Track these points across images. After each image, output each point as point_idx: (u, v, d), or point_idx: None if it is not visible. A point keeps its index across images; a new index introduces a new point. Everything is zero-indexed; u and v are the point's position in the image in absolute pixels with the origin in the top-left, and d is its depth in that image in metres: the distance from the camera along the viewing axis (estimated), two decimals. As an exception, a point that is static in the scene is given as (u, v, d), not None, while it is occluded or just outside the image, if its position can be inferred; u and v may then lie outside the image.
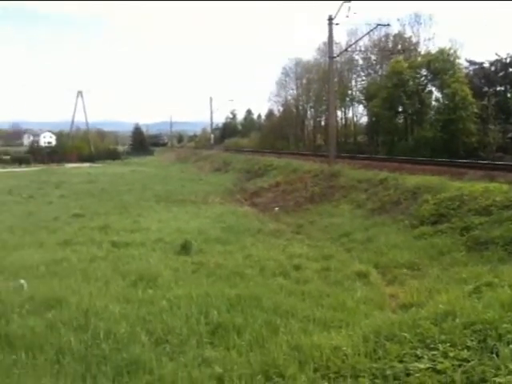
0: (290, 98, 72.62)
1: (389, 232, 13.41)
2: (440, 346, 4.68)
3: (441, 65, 41.11)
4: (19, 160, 59.34)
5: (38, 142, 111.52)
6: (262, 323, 6.48)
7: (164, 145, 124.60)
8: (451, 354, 4.49)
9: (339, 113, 58.46)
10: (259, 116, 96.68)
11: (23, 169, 51.48)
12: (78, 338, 5.81)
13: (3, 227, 14.86)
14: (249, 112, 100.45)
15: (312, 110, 68.35)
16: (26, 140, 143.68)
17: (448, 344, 4.68)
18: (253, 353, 5.46)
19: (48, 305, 7.08)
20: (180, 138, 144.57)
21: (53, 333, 5.99)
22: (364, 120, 59.21)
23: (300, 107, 70.01)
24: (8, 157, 63.00)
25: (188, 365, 5.20)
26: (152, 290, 8.23)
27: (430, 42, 48.66)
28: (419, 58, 45.03)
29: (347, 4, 24.85)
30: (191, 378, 4.82)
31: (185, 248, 11.65)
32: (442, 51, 42.33)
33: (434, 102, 44.65)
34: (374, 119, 50.62)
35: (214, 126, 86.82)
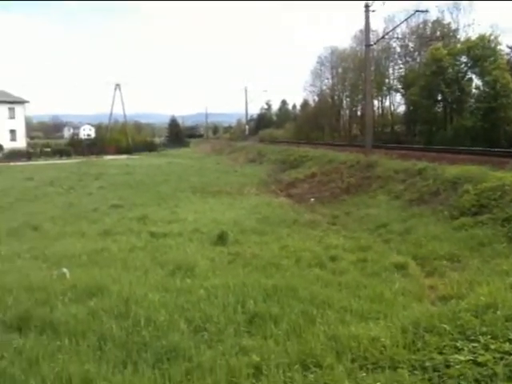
0: (325, 87, 72.01)
1: (428, 223, 13.17)
2: (481, 339, 4.58)
3: (481, 51, 39.87)
4: (60, 152, 60.81)
5: (77, 134, 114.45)
6: (299, 313, 6.49)
7: (200, 136, 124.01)
8: (492, 347, 4.40)
9: (376, 102, 57.52)
10: (294, 106, 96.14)
11: (64, 161, 52.83)
12: (119, 325, 5.96)
13: (45, 217, 15.33)
14: (284, 102, 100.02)
15: (348, 99, 67.50)
16: (67, 132, 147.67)
17: (489, 336, 4.58)
18: (290, 342, 5.48)
19: (90, 293, 7.26)
20: (215, 130, 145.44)
21: (95, 320, 6.15)
22: (401, 109, 58.22)
23: (335, 97, 69.23)
24: (49, 149, 64.62)
25: (226, 353, 5.26)
26: (190, 279, 8.35)
27: (469, 28, 47.31)
28: (459, 45, 43.72)
29: (384, -10, 24.36)
30: (229, 366, 4.87)
31: (221, 238, 11.75)
32: (482, 37, 41.03)
33: (474, 90, 43.34)
34: (411, 108, 49.63)
35: (248, 117, 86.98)
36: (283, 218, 15.60)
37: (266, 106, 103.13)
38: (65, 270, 8.47)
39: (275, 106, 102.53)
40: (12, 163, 46.66)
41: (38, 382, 4.53)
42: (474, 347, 4.47)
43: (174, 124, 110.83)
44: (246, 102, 78.73)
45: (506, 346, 4.33)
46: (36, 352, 5.20)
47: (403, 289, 8.05)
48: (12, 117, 62.50)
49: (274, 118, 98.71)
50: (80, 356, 5.18)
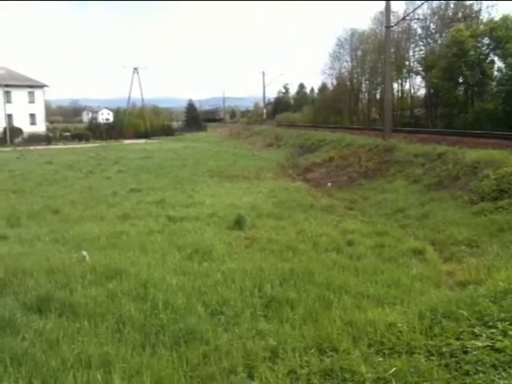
0: (344, 70, 71.07)
1: (446, 208, 13.05)
2: (499, 325, 4.53)
3: (504, 33, 38.80)
4: (79, 136, 61.40)
5: (96, 118, 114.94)
6: (315, 298, 6.50)
7: (220, 120, 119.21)
8: (511, 333, 4.35)
9: (395, 85, 56.64)
10: (312, 90, 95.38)
11: (82, 145, 53.36)
12: (138, 307, 6.03)
13: (65, 201, 15.55)
14: (301, 86, 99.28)
15: (367, 82, 66.61)
16: (85, 117, 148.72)
17: (507, 323, 4.52)
18: (306, 327, 5.49)
19: (109, 275, 7.35)
20: (233, 114, 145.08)
21: (114, 302, 6.22)
22: (421, 92, 57.20)
23: (354, 80, 68.37)
24: (68, 133, 65.28)
25: (242, 336, 5.30)
26: (207, 263, 8.41)
27: (492, 8, 46.16)
28: (481, 26, 42.64)
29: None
30: (246, 350, 4.91)
31: (238, 223, 11.79)
32: (505, 18, 39.89)
33: (496, 73, 42.33)
34: (432, 91, 48.78)
35: (266, 100, 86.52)
36: (300, 202, 15.58)
37: (283, 90, 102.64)
38: (84, 252, 8.58)
39: (293, 90, 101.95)
40: (32, 147, 47.26)
41: (59, 363, 4.61)
42: (491, 333, 4.42)
43: (191, 108, 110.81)
44: (264, 86, 78.35)
45: (525, 332, 4.28)
46: (56, 334, 5.29)
47: (420, 274, 8.02)
48: (32, 101, 63.13)
49: (292, 101, 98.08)
50: (99, 338, 5.25)
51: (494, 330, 4.46)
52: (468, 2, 47.50)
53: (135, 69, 79.20)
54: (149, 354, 4.96)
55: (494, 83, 41.78)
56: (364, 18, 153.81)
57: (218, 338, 5.30)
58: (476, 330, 4.55)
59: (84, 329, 5.52)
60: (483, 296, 5.36)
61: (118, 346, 5.12)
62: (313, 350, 4.76)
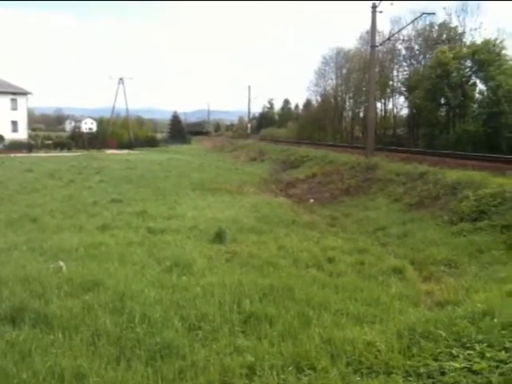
0: (328, 88, 71.85)
1: (426, 227, 13.16)
2: (477, 346, 4.55)
3: (486, 56, 39.71)
4: (61, 145, 60.73)
5: (79, 127, 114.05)
6: (295, 314, 6.47)
7: (207, 133, 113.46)
8: (488, 355, 4.36)
9: (379, 104, 57.35)
10: (297, 106, 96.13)
11: (64, 153, 52.76)
12: (114, 320, 5.92)
13: (45, 210, 15.28)
14: (286, 102, 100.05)
15: (351, 100, 67.40)
16: (68, 126, 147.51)
17: (485, 344, 4.55)
18: (284, 344, 5.45)
19: (85, 287, 7.23)
20: (217, 127, 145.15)
21: (89, 314, 6.11)
22: (404, 112, 58.08)
23: (339, 98, 69.10)
24: (50, 141, 64.56)
25: (220, 352, 5.24)
26: (186, 276, 8.33)
27: (476, 32, 47.06)
28: (464, 49, 43.59)
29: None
30: (223, 366, 4.84)
31: (219, 236, 11.72)
32: (487, 42, 40.87)
33: (477, 95, 43.23)
34: (414, 111, 49.54)
35: (251, 115, 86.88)
36: (282, 217, 15.57)
37: (268, 105, 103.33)
38: (61, 263, 8.44)
39: (278, 106, 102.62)
40: (12, 154, 46.56)
41: (30, 376, 4.50)
42: (469, 355, 4.43)
43: (176, 120, 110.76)
44: (249, 100, 78.65)
45: (502, 355, 4.29)
46: (29, 345, 5.18)
47: (400, 293, 8.04)
48: (14, 108, 62.41)
49: (277, 117, 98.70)
50: (73, 351, 5.15)
51: (471, 352, 4.47)
52: (452, 25, 48.59)
53: (120, 79, 79.09)
54: (124, 369, 4.87)
55: (475, 105, 42.62)
56: (349, 37, 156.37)
57: (195, 353, 5.23)
58: (454, 351, 4.57)
59: (58, 341, 5.41)
60: (461, 317, 5.39)
61: (92, 359, 5.03)
62: (291, 368, 4.73)
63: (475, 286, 8.01)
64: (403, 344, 4.94)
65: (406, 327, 5.40)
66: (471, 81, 43.35)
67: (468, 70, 42.80)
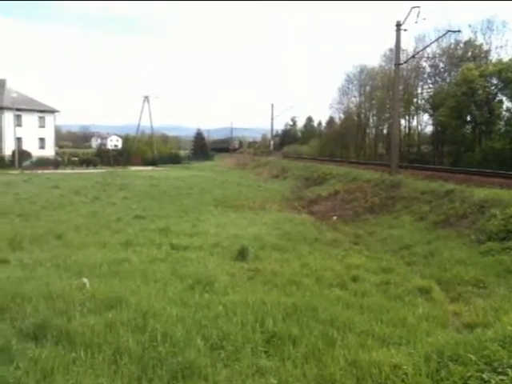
0: (352, 105, 71.78)
1: (453, 247, 12.88)
2: (509, 371, 4.37)
3: (512, 74, 39.14)
4: (87, 162, 61.80)
5: (105, 144, 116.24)
6: (319, 335, 6.33)
7: (234, 150, 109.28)
8: (521, 381, 4.19)
9: (403, 121, 56.88)
10: (320, 123, 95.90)
11: (90, 170, 53.70)
12: (136, 339, 5.87)
13: (69, 226, 15.47)
14: (309, 119, 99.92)
15: (374, 117, 67.12)
16: (94, 143, 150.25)
17: (518, 369, 4.37)
18: (308, 365, 5.34)
19: (108, 304, 7.21)
20: (240, 144, 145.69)
21: (112, 332, 6.07)
22: (428, 129, 57.43)
23: (362, 115, 68.92)
24: (76, 158, 65.77)
25: (242, 373, 5.14)
26: (208, 294, 8.26)
27: (502, 49, 46.55)
28: (490, 67, 43.10)
29: (417, 9, 24.26)
30: (245, 388, 4.76)
31: (242, 254, 11.66)
32: (514, 60, 40.36)
33: (504, 113, 42.56)
34: (439, 128, 48.98)
35: (273, 132, 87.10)
36: (305, 235, 15.45)
37: (291, 122, 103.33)
38: (85, 279, 8.46)
39: (300, 123, 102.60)
40: (40, 171, 47.58)
41: (52, 395, 4.48)
42: (501, 380, 4.27)
43: (199, 137, 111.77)
44: (272, 118, 78.96)
45: (535, 381, 4.11)
46: (51, 363, 5.15)
47: (427, 314, 7.83)
48: (42, 125, 64.03)
49: (299, 134, 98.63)
50: (95, 369, 5.11)
51: (503, 377, 4.30)
52: (478, 42, 48.14)
53: (146, 97, 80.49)
54: (145, 388, 4.81)
55: (501, 123, 41.95)
56: (373, 55, 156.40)
57: (217, 373, 5.14)
58: (485, 376, 4.40)
59: (80, 359, 5.37)
60: (492, 340, 5.20)
61: (113, 378, 4.98)
62: (315, 391, 4.61)
63: (505, 308, 7.75)
64: (431, 367, 4.79)
65: (433, 350, 5.24)
66: (497, 98, 42.73)
67: (494, 87, 42.22)
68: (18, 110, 59.20)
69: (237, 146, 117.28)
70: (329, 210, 23.47)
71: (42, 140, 63.77)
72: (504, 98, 42.73)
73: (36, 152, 59.63)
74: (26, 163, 55.00)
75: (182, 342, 5.82)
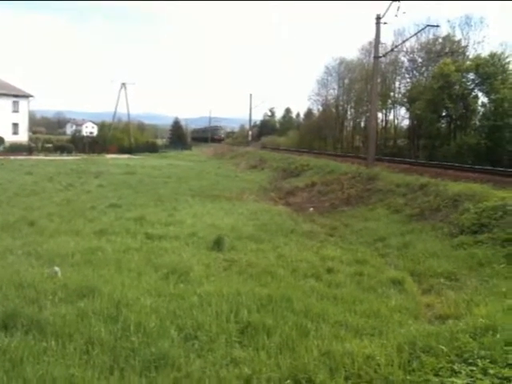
0: (330, 97, 71.94)
1: (426, 239, 13.05)
2: (479, 362, 4.45)
3: (490, 69, 39.74)
4: (61, 148, 60.56)
5: (80, 131, 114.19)
6: (293, 325, 6.36)
7: (220, 140, 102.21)
8: (491, 371, 4.26)
9: (380, 115, 57.33)
10: (298, 115, 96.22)
11: (64, 157, 52.72)
12: (108, 329, 5.80)
13: (42, 214, 15.18)
14: (287, 110, 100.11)
15: (352, 110, 67.52)
16: (69, 129, 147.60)
17: (488, 360, 4.45)
18: (282, 356, 5.35)
19: (80, 293, 7.11)
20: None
21: (83, 322, 5.99)
22: (405, 123, 58.07)
23: (340, 107, 69.24)
24: (50, 145, 64.49)
25: (216, 363, 5.13)
26: (183, 284, 8.22)
27: (479, 45, 47.16)
28: (468, 62, 43.66)
29: (397, 3, 24.37)
30: (219, 378, 4.74)
31: (217, 244, 11.62)
32: (492, 55, 40.92)
33: (479, 108, 43.24)
34: (415, 122, 49.57)
35: (252, 123, 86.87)
36: (281, 226, 15.47)
37: (269, 113, 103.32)
38: (57, 268, 8.32)
39: (279, 114, 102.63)
40: (12, 157, 46.50)
41: (20, 385, 4.39)
42: (471, 371, 4.33)
43: (176, 126, 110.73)
44: (251, 108, 78.69)
45: (506, 372, 4.19)
46: (21, 352, 5.05)
47: (399, 305, 7.94)
48: (15, 110, 62.48)
49: (278, 125, 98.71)
50: (66, 359, 5.03)
51: (473, 368, 4.37)
52: (456, 38, 48.71)
53: (123, 84, 79.34)
54: (117, 379, 4.76)
55: (476, 118, 42.64)
56: (352, 47, 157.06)
57: (191, 364, 5.11)
58: (455, 367, 4.46)
59: (50, 349, 5.28)
60: (463, 331, 5.29)
61: (85, 368, 4.91)
62: (288, 381, 4.63)
63: (476, 300, 7.90)
64: (403, 358, 4.85)
65: (406, 341, 5.31)
66: (473, 93, 43.35)
67: (470, 82, 42.81)
68: (-9, 94, 57.77)
69: (223, 136, 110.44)
70: (305, 201, 23.55)
71: (15, 125, 62.26)
72: (480, 94, 43.40)
73: (9, 137, 58.23)
74: (-1, 149, 53.78)
75: (156, 333, 5.78)
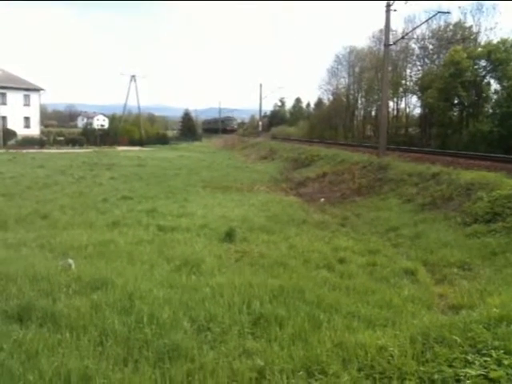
0: (340, 86, 71.37)
1: (439, 229, 12.97)
2: (493, 353, 4.40)
3: (502, 55, 39.13)
4: (73, 141, 60.98)
5: (91, 124, 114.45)
6: (305, 317, 6.34)
7: (232, 131, 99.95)
8: (505, 362, 4.21)
9: (391, 103, 56.73)
10: (308, 105, 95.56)
11: (76, 150, 53.06)
12: (122, 320, 5.83)
13: (55, 206, 15.31)
14: (298, 100, 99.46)
15: (363, 99, 66.96)
16: (80, 122, 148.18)
17: (502, 351, 4.40)
18: (295, 347, 5.35)
19: (94, 286, 7.16)
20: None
21: (97, 314, 6.02)
22: (416, 111, 57.45)
23: (350, 96, 68.69)
24: (62, 138, 64.89)
25: (229, 355, 5.13)
26: (195, 276, 8.25)
27: (491, 32, 46.42)
28: (479, 48, 43.01)
29: (406, -11, 24.04)
30: (232, 369, 4.75)
31: (229, 235, 11.65)
32: (504, 41, 40.29)
33: (492, 95, 42.62)
34: (427, 111, 49.07)
35: (262, 113, 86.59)
36: (292, 217, 15.46)
37: (279, 103, 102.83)
38: (70, 260, 8.39)
39: (289, 104, 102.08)
40: (25, 150, 46.92)
41: (36, 377, 4.41)
42: (485, 361, 4.29)
43: (187, 117, 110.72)
44: (261, 98, 78.46)
45: (520, 363, 4.15)
46: (36, 345, 5.09)
47: (412, 296, 7.90)
48: (27, 104, 62.86)
49: (288, 115, 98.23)
50: (80, 351, 5.06)
51: (487, 359, 4.33)
52: (467, 24, 48.02)
53: (133, 76, 79.33)
54: (131, 370, 4.77)
55: (489, 105, 42.06)
56: (362, 36, 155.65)
57: (204, 355, 5.12)
58: (469, 358, 4.42)
59: (65, 341, 5.31)
60: (476, 322, 5.24)
61: (99, 360, 4.93)
62: (301, 373, 4.61)
63: (489, 290, 7.85)
64: (417, 349, 4.81)
65: (419, 332, 5.27)
66: (485, 80, 42.74)
67: (482, 69, 42.20)
68: (2, 88, 58.17)
69: (235, 127, 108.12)
70: (316, 191, 23.50)
71: (27, 119, 62.68)
72: (492, 81, 42.79)
73: (21, 131, 58.66)
74: (11, 142, 54.20)
75: (169, 324, 5.80)
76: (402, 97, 58.57)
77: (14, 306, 6.14)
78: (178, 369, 4.79)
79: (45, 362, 4.70)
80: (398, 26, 59.23)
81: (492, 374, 4.06)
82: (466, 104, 42.69)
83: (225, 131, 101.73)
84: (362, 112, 68.30)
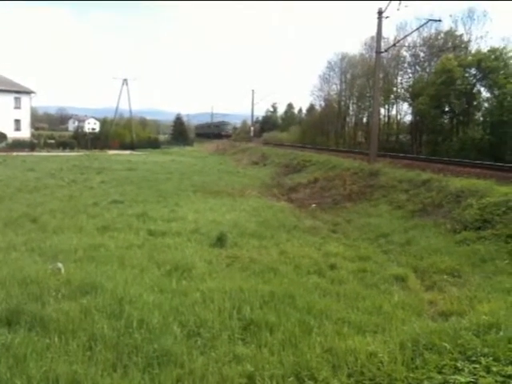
0: (332, 93, 71.91)
1: (429, 235, 13.03)
2: (482, 360, 4.44)
3: (492, 64, 39.57)
4: (63, 144, 60.57)
5: (82, 127, 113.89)
6: (295, 322, 6.35)
7: (227, 136, 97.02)
8: (494, 369, 4.25)
9: (382, 110, 57.23)
10: (300, 110, 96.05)
11: (67, 153, 52.74)
12: (111, 325, 5.80)
13: (45, 210, 15.20)
14: (290, 106, 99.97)
15: (354, 106, 67.43)
16: (71, 125, 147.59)
17: (491, 358, 4.44)
18: (285, 352, 5.34)
19: (83, 290, 7.11)
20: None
21: (86, 319, 5.98)
22: (407, 118, 58.00)
23: (342, 103, 69.13)
24: (53, 141, 64.51)
25: (219, 360, 5.12)
26: (186, 281, 8.22)
27: (481, 40, 47.01)
28: (469, 57, 43.48)
29: (399, -4, 24.27)
30: (221, 375, 4.74)
31: (220, 240, 11.62)
32: (494, 50, 40.76)
33: (483, 103, 43.06)
34: (418, 118, 49.46)
35: (254, 118, 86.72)
36: (283, 222, 15.46)
37: (271, 109, 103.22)
38: (60, 264, 8.33)
39: (281, 109, 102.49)
40: (15, 153, 46.59)
41: (24, 382, 4.38)
42: (474, 368, 4.32)
43: (178, 122, 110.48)
44: (253, 104, 78.63)
45: (509, 370, 4.18)
46: (24, 349, 5.05)
47: (402, 302, 7.92)
48: (17, 106, 62.46)
49: (280, 120, 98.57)
50: (69, 356, 5.02)
51: (477, 366, 4.36)
52: (458, 33, 48.52)
53: (124, 80, 79.06)
54: (120, 375, 4.76)
55: (479, 113, 42.50)
56: (354, 42, 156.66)
57: (194, 361, 5.11)
58: (459, 364, 4.45)
59: (54, 345, 5.28)
60: (466, 329, 5.28)
61: (88, 365, 4.91)
62: (291, 378, 4.63)
63: (479, 297, 7.89)
64: (406, 355, 4.83)
65: (409, 338, 5.29)
66: (475, 89, 43.17)
67: (472, 77, 42.63)
68: (-8, 90, 57.72)
69: (230, 132, 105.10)
70: (308, 197, 23.52)
71: (17, 121, 62.25)
72: (482, 89, 43.24)
73: (11, 134, 58.19)
74: (1, 145, 53.75)
75: (159, 329, 5.77)
76: (393, 104, 59.09)
77: (3, 310, 6.09)
78: (168, 374, 4.78)
79: (33, 367, 4.67)
80: (389, 33, 59.67)
81: (481, 381, 4.09)
82: (456, 112, 43.08)
83: (220, 136, 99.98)
84: (354, 118, 68.82)
